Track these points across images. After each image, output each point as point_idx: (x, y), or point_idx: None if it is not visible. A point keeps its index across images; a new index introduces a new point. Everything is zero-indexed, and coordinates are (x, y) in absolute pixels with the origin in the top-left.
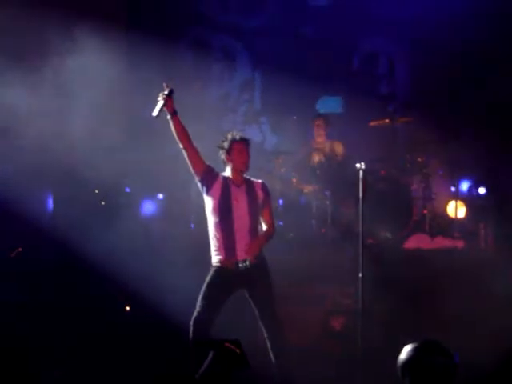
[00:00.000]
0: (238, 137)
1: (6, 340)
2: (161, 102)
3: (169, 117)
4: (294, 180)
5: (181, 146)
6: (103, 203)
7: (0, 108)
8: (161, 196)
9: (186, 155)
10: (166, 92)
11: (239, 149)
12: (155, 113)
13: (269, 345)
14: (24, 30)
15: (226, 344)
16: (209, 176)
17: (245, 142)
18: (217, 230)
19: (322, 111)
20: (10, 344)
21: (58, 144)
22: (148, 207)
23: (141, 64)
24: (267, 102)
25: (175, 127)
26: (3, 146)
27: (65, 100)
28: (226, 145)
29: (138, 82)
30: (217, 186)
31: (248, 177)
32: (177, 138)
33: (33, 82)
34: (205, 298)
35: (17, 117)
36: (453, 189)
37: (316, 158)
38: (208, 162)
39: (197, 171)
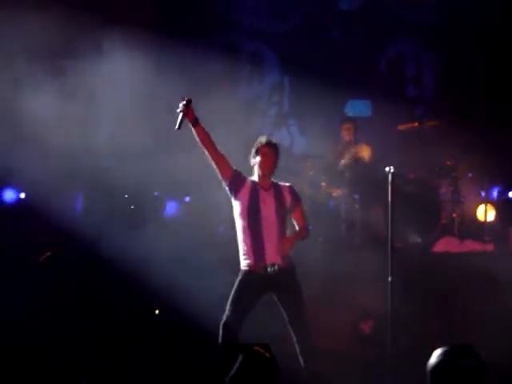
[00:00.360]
0: (264, 140)
1: (30, 339)
2: (181, 114)
3: (191, 126)
4: (323, 184)
5: (206, 153)
6: (132, 207)
7: (31, 112)
8: (187, 199)
9: (211, 162)
10: (184, 103)
11: (264, 152)
12: (177, 126)
13: (298, 349)
14: (52, 33)
15: (256, 348)
16: (237, 180)
17: (271, 145)
18: (245, 234)
19: (350, 114)
20: (32, 342)
21: (88, 149)
22: (173, 209)
23: (170, 68)
24: (296, 105)
25: (198, 136)
26: (33, 150)
27: (94, 105)
28: (253, 149)
29: (166, 85)
30: (245, 190)
31: (275, 181)
32: (201, 145)
33: (61, 86)
34: (234, 302)
35: (47, 121)
36: (482, 192)
37: (344, 161)
38: (235, 167)
39: (224, 177)
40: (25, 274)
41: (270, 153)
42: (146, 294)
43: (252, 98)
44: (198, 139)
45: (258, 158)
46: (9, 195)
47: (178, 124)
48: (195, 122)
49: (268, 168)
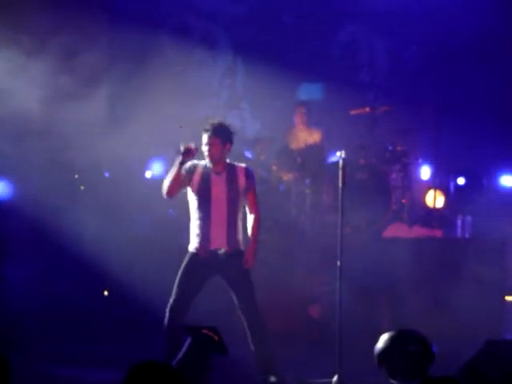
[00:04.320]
0: (207, 127)
1: None
2: (181, 156)
3: (178, 162)
4: (274, 167)
5: (165, 192)
6: (82, 188)
7: None
8: (149, 175)
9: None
10: (187, 150)
11: (207, 142)
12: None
13: (248, 333)
14: None
15: (204, 330)
16: (188, 175)
17: (212, 134)
18: (195, 218)
19: (303, 98)
20: None
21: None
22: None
23: (122, 50)
24: (249, 89)
25: (177, 173)
26: None
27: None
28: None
29: (118, 67)
30: (196, 177)
31: (231, 162)
32: (169, 183)
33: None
34: (180, 284)
35: None
36: (432, 179)
37: (296, 145)
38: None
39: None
40: None
41: (214, 142)
42: (96, 275)
43: (204, 80)
44: (173, 174)
45: (204, 147)
46: None
47: (179, 154)
48: (181, 164)
49: (212, 157)
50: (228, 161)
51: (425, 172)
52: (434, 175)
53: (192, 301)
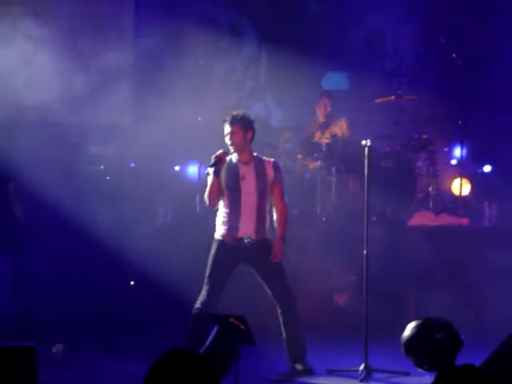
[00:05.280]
0: (226, 117)
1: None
2: (214, 161)
3: (211, 173)
4: (299, 156)
5: (208, 201)
6: (108, 178)
7: None
8: (177, 168)
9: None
10: (220, 156)
11: (226, 131)
12: (210, 168)
13: (281, 320)
14: None
15: (230, 319)
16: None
17: (232, 123)
18: (224, 206)
19: (326, 88)
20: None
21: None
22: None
23: (148, 39)
24: (272, 78)
25: (213, 185)
26: None
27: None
28: None
29: (144, 56)
30: (224, 167)
31: (259, 155)
32: (209, 193)
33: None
34: (211, 274)
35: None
36: (457, 166)
37: (322, 134)
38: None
39: None
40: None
41: (234, 130)
42: (122, 265)
43: (228, 70)
44: (211, 184)
45: (226, 137)
46: None
47: (211, 166)
48: (216, 174)
49: (235, 145)
50: (255, 154)
51: (456, 154)
52: (460, 163)
53: (223, 291)
